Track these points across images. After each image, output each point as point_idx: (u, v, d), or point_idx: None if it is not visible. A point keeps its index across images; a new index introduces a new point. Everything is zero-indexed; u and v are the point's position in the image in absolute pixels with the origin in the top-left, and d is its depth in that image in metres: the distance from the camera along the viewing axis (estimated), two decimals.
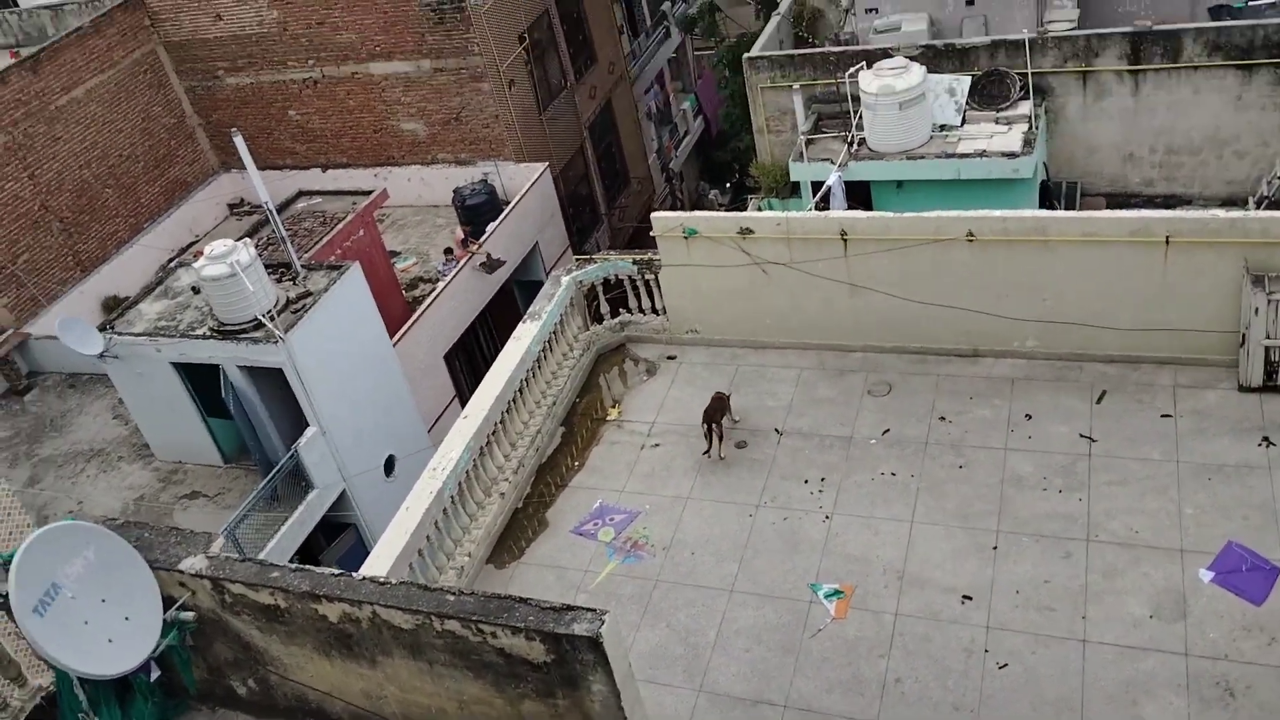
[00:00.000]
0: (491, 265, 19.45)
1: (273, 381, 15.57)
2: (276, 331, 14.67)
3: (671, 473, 11.97)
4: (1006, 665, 9.19)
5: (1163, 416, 11.22)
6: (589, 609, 5.56)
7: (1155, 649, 9.01)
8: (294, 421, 15.80)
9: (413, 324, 18.13)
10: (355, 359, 16.13)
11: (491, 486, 11.93)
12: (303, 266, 16.07)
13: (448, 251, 21.05)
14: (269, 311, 15.07)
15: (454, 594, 5.80)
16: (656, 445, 12.42)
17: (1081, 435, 11.26)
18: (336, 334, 15.62)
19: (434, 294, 18.79)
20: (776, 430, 12.24)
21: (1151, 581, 9.55)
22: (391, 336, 17.23)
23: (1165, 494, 10.31)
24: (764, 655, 9.71)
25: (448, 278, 19.30)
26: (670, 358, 13.73)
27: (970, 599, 9.77)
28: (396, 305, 18.72)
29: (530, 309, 13.34)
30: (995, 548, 10.24)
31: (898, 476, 11.25)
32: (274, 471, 15.22)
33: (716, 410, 11.71)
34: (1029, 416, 11.66)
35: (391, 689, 6.26)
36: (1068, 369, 12.04)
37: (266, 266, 15.85)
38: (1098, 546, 9.99)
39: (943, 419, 11.87)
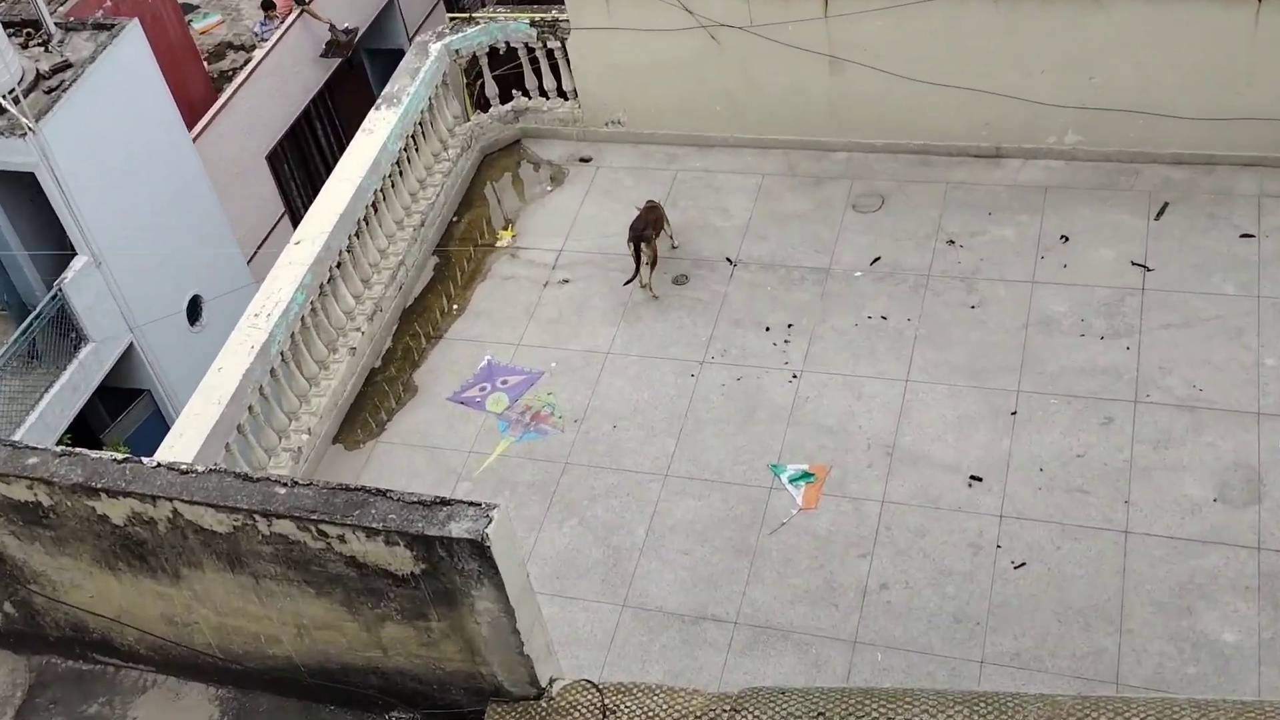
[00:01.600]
0: (344, 44, 18.92)
1: (23, 192, 15.24)
2: (23, 118, 14.27)
3: (585, 319, 12.23)
4: (1024, 564, 9.56)
5: (1242, 237, 11.54)
6: (472, 502, 5.60)
7: (1218, 541, 9.32)
8: (57, 248, 15.54)
9: (220, 109, 17.72)
10: (139, 159, 15.88)
11: (338, 339, 12.08)
12: (58, 25, 15.64)
13: (267, 7, 20.44)
14: (12, 91, 14.57)
15: (286, 485, 5.85)
16: (565, 282, 12.71)
17: (1134, 263, 11.57)
18: (110, 123, 15.36)
19: (250, 67, 18.26)
20: (728, 260, 12.49)
21: (1218, 454, 9.87)
22: (190, 126, 16.83)
23: (1240, 340, 10.66)
24: (708, 558, 10.01)
25: (268, 44, 18.72)
26: (584, 160, 13.92)
27: (980, 480, 10.11)
28: (196, 83, 18.26)
29: (386, 90, 13.41)
30: (1014, 413, 10.58)
31: (889, 321, 11.56)
32: (30, 320, 15.05)
33: (648, 224, 11.97)
34: (1065, 238, 11.95)
35: (204, 612, 6.36)
36: (1118, 173, 12.36)
37: (4, 26, 15.32)
38: (1148, 409, 10.31)
39: (951, 242, 12.20)
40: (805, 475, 10.47)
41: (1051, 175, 12.52)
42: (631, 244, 11.94)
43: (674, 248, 12.55)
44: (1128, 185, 12.21)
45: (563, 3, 13.14)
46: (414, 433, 11.57)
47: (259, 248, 18.49)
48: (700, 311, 12.10)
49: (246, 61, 19.31)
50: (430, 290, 12.99)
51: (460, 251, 13.35)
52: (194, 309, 16.96)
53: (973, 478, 10.20)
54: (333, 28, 19.41)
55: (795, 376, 11.30)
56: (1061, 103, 12.17)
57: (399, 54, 15.61)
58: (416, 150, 13.42)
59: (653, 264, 12.03)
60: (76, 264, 15.55)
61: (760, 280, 12.26)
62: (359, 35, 20.30)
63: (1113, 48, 11.84)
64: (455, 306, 12.77)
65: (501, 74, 14.20)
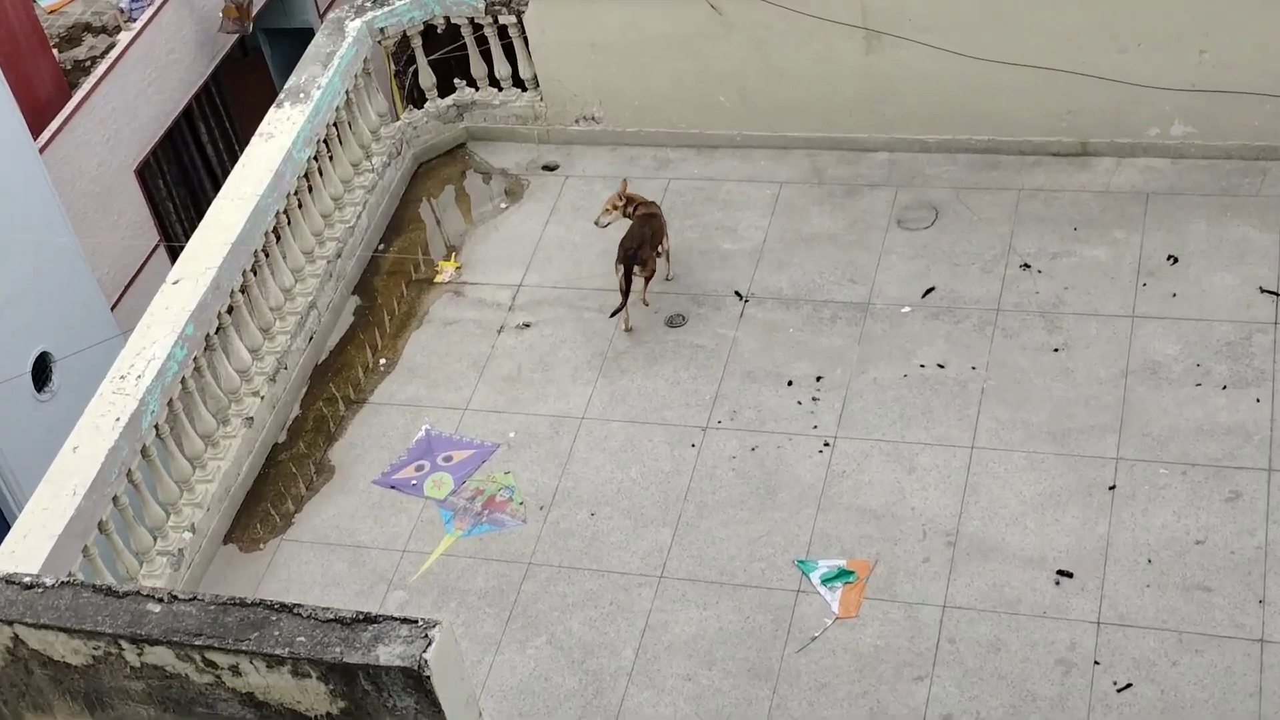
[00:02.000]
0: (242, 21, 18.99)
1: None
2: None
3: (552, 375, 12.30)
4: (1129, 686, 9.51)
5: None
6: (407, 619, 5.68)
7: None
8: None
9: (75, 110, 17.73)
10: None
11: (229, 407, 12.10)
12: None
13: None
14: None
15: (163, 600, 5.90)
16: (525, 326, 12.75)
17: (1263, 290, 11.62)
18: None
19: (114, 55, 18.30)
20: (737, 294, 12.56)
21: None
22: (35, 133, 16.82)
23: None
24: (717, 685, 9.95)
25: (136, 25, 18.78)
26: (548, 168, 14.15)
27: (1069, 576, 10.12)
28: (44, 77, 18.24)
29: (291, 82, 13.45)
30: (1112, 487, 10.59)
31: (948, 370, 11.66)
32: None
33: (643, 240, 12.09)
34: (1173, 259, 12.05)
35: None
36: (1240, 174, 12.44)
37: None
38: None
39: (1026, 267, 12.30)
40: (842, 574, 10.48)
41: (1154, 178, 12.58)
42: (621, 267, 11.98)
43: (669, 279, 12.67)
44: (1252, 190, 12.28)
45: None
46: (331, 527, 11.58)
47: (126, 289, 18.42)
48: (702, 362, 12.12)
49: (110, 48, 19.32)
50: (350, 341, 13.04)
51: (389, 289, 13.37)
52: (41, 370, 16.81)
53: (1060, 573, 10.18)
54: (236, 3, 19.37)
55: (827, 445, 11.33)
56: (1166, 84, 12.25)
57: (307, 35, 15.59)
58: (331, 159, 13.54)
59: (648, 278, 12.17)
60: None
61: (779, 320, 12.31)
62: (256, 9, 20.31)
63: (1230, 15, 11.95)
64: (383, 361, 12.79)
65: (440, 58, 14.29)
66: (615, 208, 12.39)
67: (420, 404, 12.33)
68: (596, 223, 12.51)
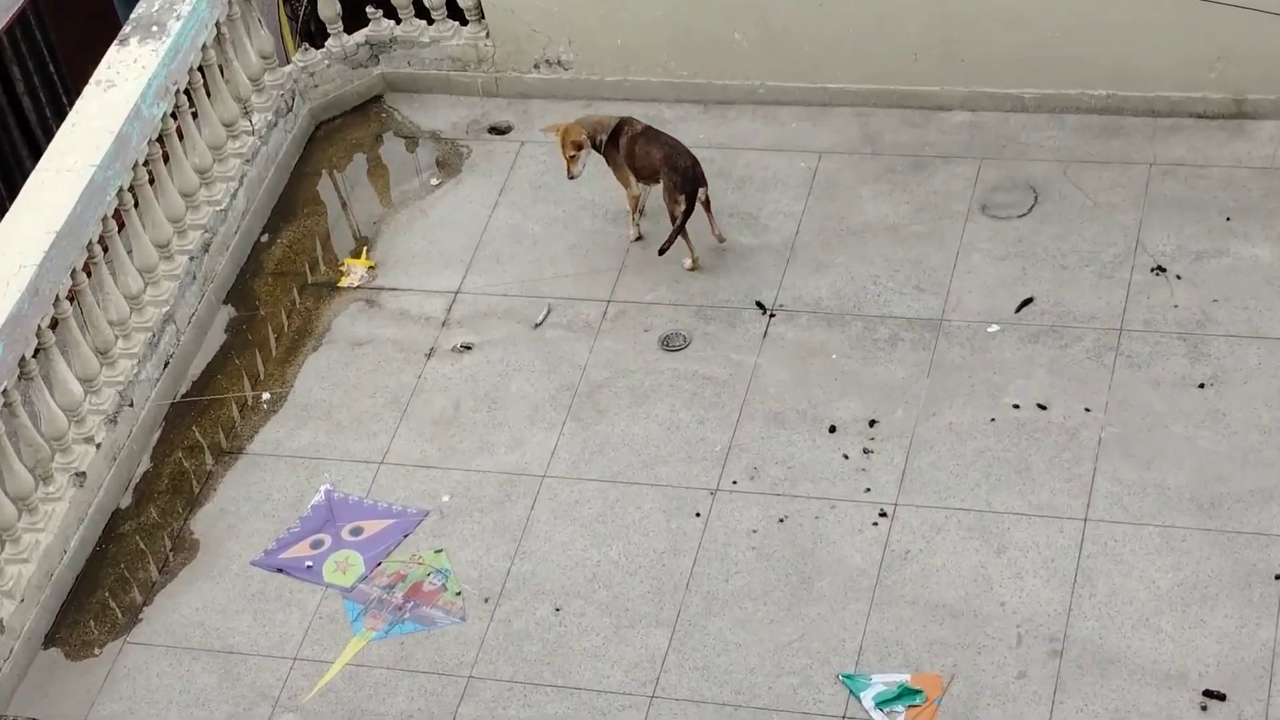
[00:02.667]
0: None
1: None
2: None
3: (503, 415, 12.26)
4: None
5: None
6: None
7: None
8: None
9: None
10: None
11: (52, 459, 11.95)
12: None
13: None
14: None
15: None
16: (465, 349, 12.75)
17: None
18: None
19: None
20: (760, 305, 12.60)
21: None
22: None
23: None
24: None
25: None
26: (496, 131, 14.20)
27: (1221, 698, 9.99)
28: None
29: (139, 11, 13.38)
30: (1279, 576, 10.48)
31: (1052, 412, 11.57)
32: None
33: (685, 150, 12.60)
34: None
35: None
36: None
37: None
38: None
39: (1160, 270, 12.30)
40: (905, 693, 10.35)
41: None
42: (680, 194, 12.45)
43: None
44: None
45: None
46: (193, 626, 11.44)
47: None
48: (711, 399, 12.08)
49: None
50: (222, 368, 12.97)
51: (276, 297, 13.33)
52: None
53: (1209, 694, 10.06)
54: None
55: (884, 515, 11.28)
56: None
57: None
58: (196, 117, 13.43)
59: (710, 217, 12.72)
60: None
61: (818, 342, 12.26)
62: None
63: None
64: (266, 396, 12.73)
65: None
66: (578, 143, 12.55)
67: (318, 455, 12.25)
68: (571, 175, 12.69)
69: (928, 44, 13.32)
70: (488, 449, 12.11)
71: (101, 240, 12.54)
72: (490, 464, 12.02)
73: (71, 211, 12.14)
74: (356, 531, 11.85)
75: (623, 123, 12.70)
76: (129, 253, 12.85)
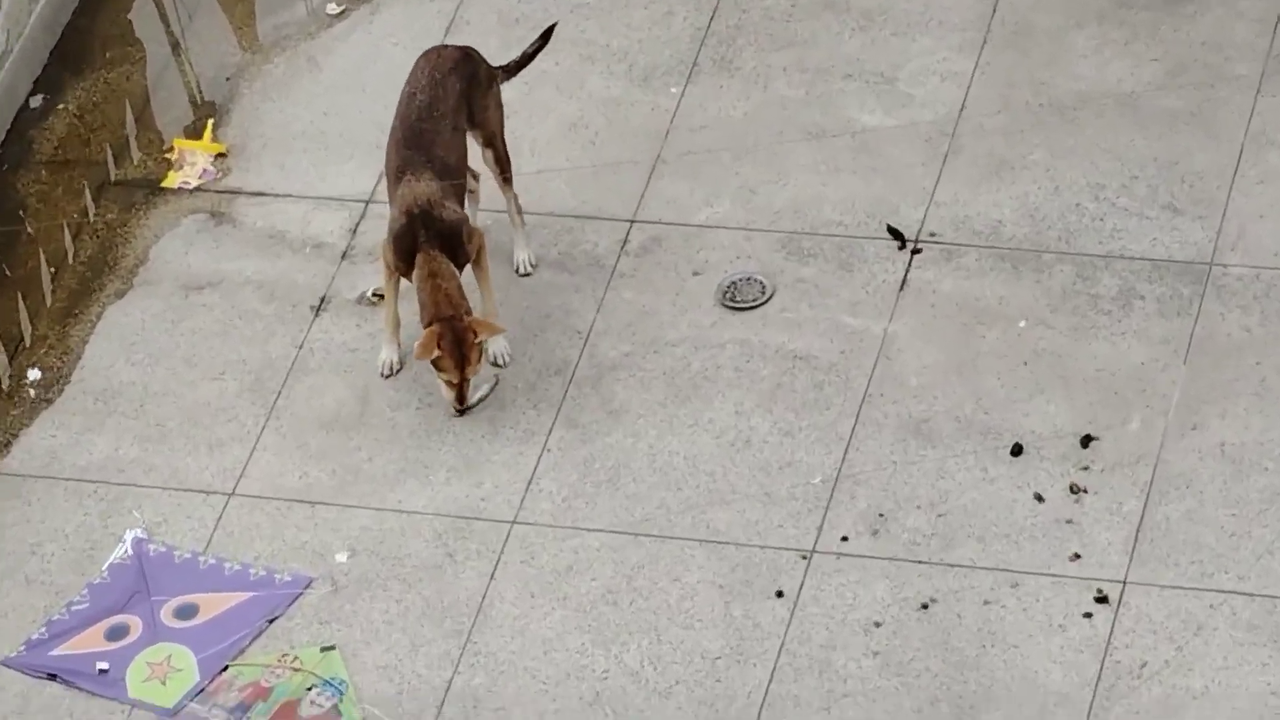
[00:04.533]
0: None
1: None
2: None
3: (442, 411, 10.22)
4: None
5: None
6: None
7: None
8: None
9: None
10: None
11: None
12: None
13: None
14: None
15: None
16: (379, 299, 10.83)
17: None
18: None
19: None
20: (893, 232, 10.74)
21: None
22: None
23: None
24: None
25: None
26: None
27: None
28: None
29: None
30: None
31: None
32: None
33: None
34: None
35: None
36: None
37: None
38: None
39: None
40: None
41: None
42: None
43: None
44: None
45: None
46: None
47: None
48: (808, 392, 10.01)
49: None
50: None
51: (52, 203, 11.58)
52: None
53: None
54: None
55: (1103, 599, 9.29)
56: None
57: None
58: None
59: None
60: None
61: (993, 297, 10.42)
62: None
63: None
64: (34, 375, 10.79)
65: None
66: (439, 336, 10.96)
67: (123, 478, 10.15)
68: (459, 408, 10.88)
69: None
70: (416, 472, 9.94)
71: None
72: (421, 499, 9.88)
73: None
74: (187, 611, 9.80)
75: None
76: None
